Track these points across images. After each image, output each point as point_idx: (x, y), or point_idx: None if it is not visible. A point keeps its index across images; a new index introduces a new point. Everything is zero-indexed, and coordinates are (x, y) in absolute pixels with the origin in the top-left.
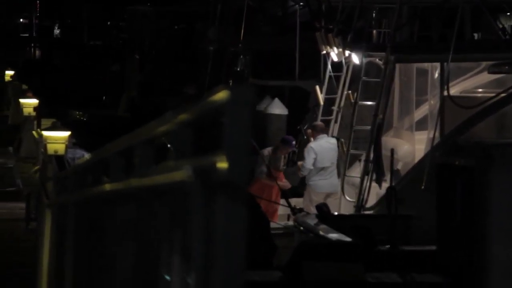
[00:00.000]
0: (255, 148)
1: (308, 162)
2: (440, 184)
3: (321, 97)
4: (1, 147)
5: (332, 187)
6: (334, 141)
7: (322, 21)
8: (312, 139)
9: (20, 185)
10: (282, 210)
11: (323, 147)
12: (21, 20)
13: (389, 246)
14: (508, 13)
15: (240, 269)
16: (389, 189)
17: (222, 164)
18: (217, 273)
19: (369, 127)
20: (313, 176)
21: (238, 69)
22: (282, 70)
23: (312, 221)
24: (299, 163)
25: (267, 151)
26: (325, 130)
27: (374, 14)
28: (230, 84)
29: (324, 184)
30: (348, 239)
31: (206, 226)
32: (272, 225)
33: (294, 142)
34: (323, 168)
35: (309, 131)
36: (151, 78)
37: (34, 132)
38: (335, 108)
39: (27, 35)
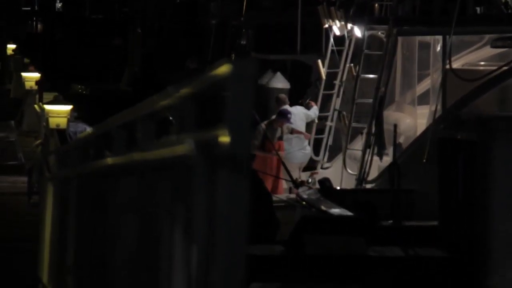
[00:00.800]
0: (257, 122)
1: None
2: (441, 158)
3: (323, 71)
4: (3, 121)
5: (305, 158)
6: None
7: None
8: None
9: (22, 159)
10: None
11: (295, 114)
12: None
13: (391, 221)
14: None
15: (242, 243)
16: (391, 164)
17: (225, 138)
18: (219, 247)
19: (371, 101)
20: (290, 146)
21: (240, 44)
22: (284, 44)
23: (314, 195)
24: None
25: (263, 125)
26: (287, 102)
27: None
28: (233, 58)
29: (300, 155)
30: (350, 213)
31: (209, 200)
32: (274, 198)
33: (290, 115)
34: (298, 137)
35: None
36: (154, 52)
37: (36, 106)
38: (337, 82)
39: (29, 8)
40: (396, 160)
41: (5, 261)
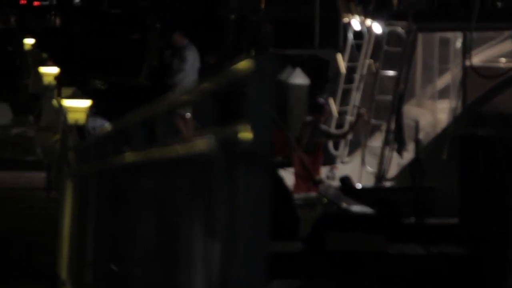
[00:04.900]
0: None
1: None
2: (462, 156)
3: (343, 65)
4: (21, 116)
5: None
6: None
7: None
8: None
9: (41, 154)
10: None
11: None
12: None
13: (413, 218)
14: None
15: (263, 240)
16: (414, 161)
17: (245, 134)
18: (240, 244)
19: (390, 97)
20: None
21: (259, 38)
22: (302, 39)
23: (335, 193)
24: None
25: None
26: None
27: None
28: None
29: None
30: (371, 211)
31: (229, 197)
32: (295, 196)
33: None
34: None
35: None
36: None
37: (54, 101)
38: (356, 76)
39: (47, 2)
40: (419, 158)
41: (23, 256)
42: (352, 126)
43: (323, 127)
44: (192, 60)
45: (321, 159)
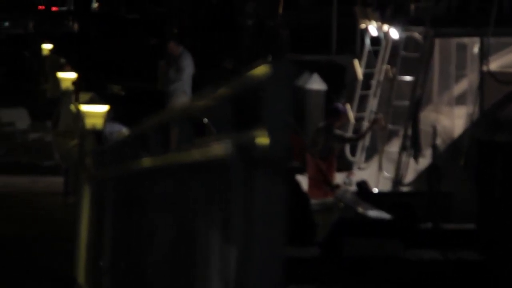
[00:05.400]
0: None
1: None
2: (479, 161)
3: (360, 71)
4: (39, 121)
5: None
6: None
7: None
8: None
9: (58, 159)
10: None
11: None
12: None
13: (429, 223)
14: None
15: (280, 245)
16: (431, 166)
17: (262, 140)
18: (257, 249)
19: (407, 103)
20: None
21: (277, 44)
22: (319, 44)
23: (351, 198)
24: None
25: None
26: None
27: None
28: (269, 59)
29: None
30: (387, 216)
31: (246, 202)
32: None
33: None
34: None
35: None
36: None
37: (72, 106)
38: (373, 82)
39: (65, 8)
40: (436, 163)
41: (41, 261)
42: (367, 130)
43: (337, 131)
44: (190, 69)
45: (335, 164)
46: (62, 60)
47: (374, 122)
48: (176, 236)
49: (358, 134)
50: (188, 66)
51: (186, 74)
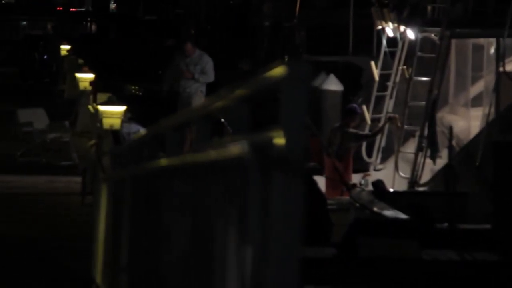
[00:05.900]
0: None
1: None
2: (495, 161)
3: (376, 72)
4: (57, 122)
5: None
6: None
7: None
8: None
9: (76, 159)
10: None
11: None
12: None
13: (446, 224)
14: None
15: (297, 245)
16: (447, 167)
17: (279, 140)
18: (274, 249)
19: (423, 103)
20: None
21: (293, 45)
22: (336, 45)
23: (367, 197)
24: None
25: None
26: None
27: None
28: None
29: None
30: (404, 216)
31: (263, 202)
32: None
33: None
34: None
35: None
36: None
37: (89, 107)
38: (390, 83)
39: (84, 9)
40: (451, 163)
41: (59, 260)
42: (382, 127)
43: (352, 130)
44: (211, 71)
45: (352, 164)
46: (80, 61)
47: (389, 119)
48: (193, 236)
49: (373, 131)
50: (213, 73)
51: (209, 77)
